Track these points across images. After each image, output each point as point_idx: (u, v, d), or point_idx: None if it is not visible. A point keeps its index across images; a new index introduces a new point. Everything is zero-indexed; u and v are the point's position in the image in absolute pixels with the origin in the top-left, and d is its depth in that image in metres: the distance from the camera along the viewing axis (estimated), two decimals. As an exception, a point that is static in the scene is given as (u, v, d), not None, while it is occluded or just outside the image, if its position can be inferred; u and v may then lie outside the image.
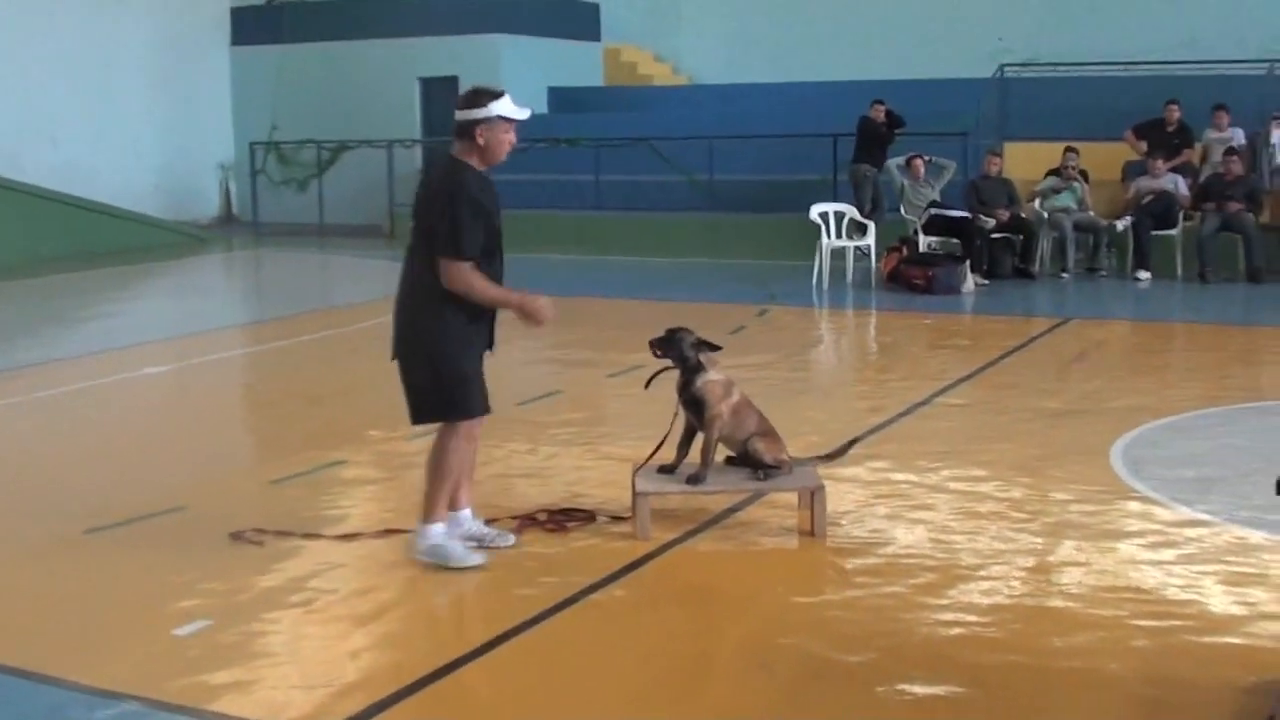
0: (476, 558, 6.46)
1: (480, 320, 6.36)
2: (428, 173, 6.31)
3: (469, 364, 6.34)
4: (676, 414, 7.02)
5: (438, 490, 6.44)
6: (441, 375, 6.30)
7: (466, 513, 6.69)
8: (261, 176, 26.82)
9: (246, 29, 28.15)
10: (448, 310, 6.23)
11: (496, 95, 6.21)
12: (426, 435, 9.14)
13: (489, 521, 6.83)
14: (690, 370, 6.89)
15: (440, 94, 26.07)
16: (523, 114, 6.23)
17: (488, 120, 6.18)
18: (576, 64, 26.70)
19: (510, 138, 6.27)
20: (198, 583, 6.27)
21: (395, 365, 6.44)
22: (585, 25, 27.32)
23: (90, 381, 11.68)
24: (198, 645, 5.57)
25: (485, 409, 6.44)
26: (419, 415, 6.47)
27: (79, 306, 17.16)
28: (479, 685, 5.26)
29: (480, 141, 6.19)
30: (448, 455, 6.41)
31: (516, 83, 25.25)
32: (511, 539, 6.72)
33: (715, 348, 6.99)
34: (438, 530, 6.45)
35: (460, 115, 6.21)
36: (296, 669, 5.40)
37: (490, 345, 6.48)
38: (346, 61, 26.55)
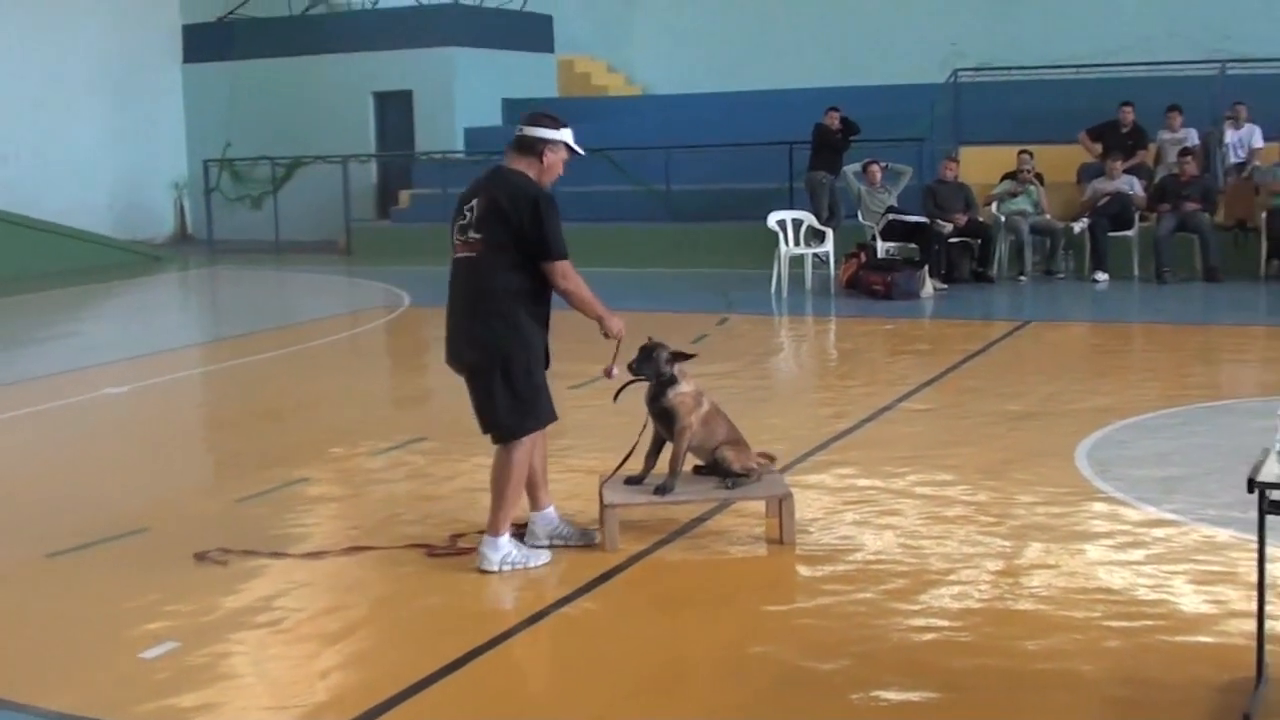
0: (545, 556, 6.64)
1: (543, 331, 6.55)
2: (490, 186, 6.45)
3: (539, 373, 6.49)
4: (645, 425, 6.99)
5: (508, 503, 6.52)
6: (517, 385, 6.39)
7: (550, 510, 6.87)
8: (216, 194, 26.69)
9: (199, 46, 27.98)
10: (521, 317, 6.41)
11: (564, 124, 6.53)
12: (389, 452, 9.16)
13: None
14: (663, 383, 6.87)
15: (395, 108, 26.03)
16: (581, 151, 6.62)
17: (555, 143, 6.47)
18: (530, 75, 26.66)
19: (563, 168, 6.56)
20: (163, 605, 6.21)
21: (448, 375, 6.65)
22: (538, 37, 27.31)
23: (48, 404, 11.56)
24: (166, 668, 5.51)
25: (554, 416, 6.63)
26: (498, 430, 6.52)
27: (34, 328, 17.00)
28: (451, 702, 5.21)
29: (544, 161, 6.46)
30: (515, 468, 6.49)
31: (471, 95, 25.47)
32: (596, 537, 6.82)
33: (688, 356, 6.98)
34: (506, 540, 6.55)
35: (529, 131, 6.48)
36: (267, 690, 5.34)
37: (547, 362, 6.62)
38: (300, 77, 26.43)
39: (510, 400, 6.40)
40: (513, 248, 6.33)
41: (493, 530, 6.54)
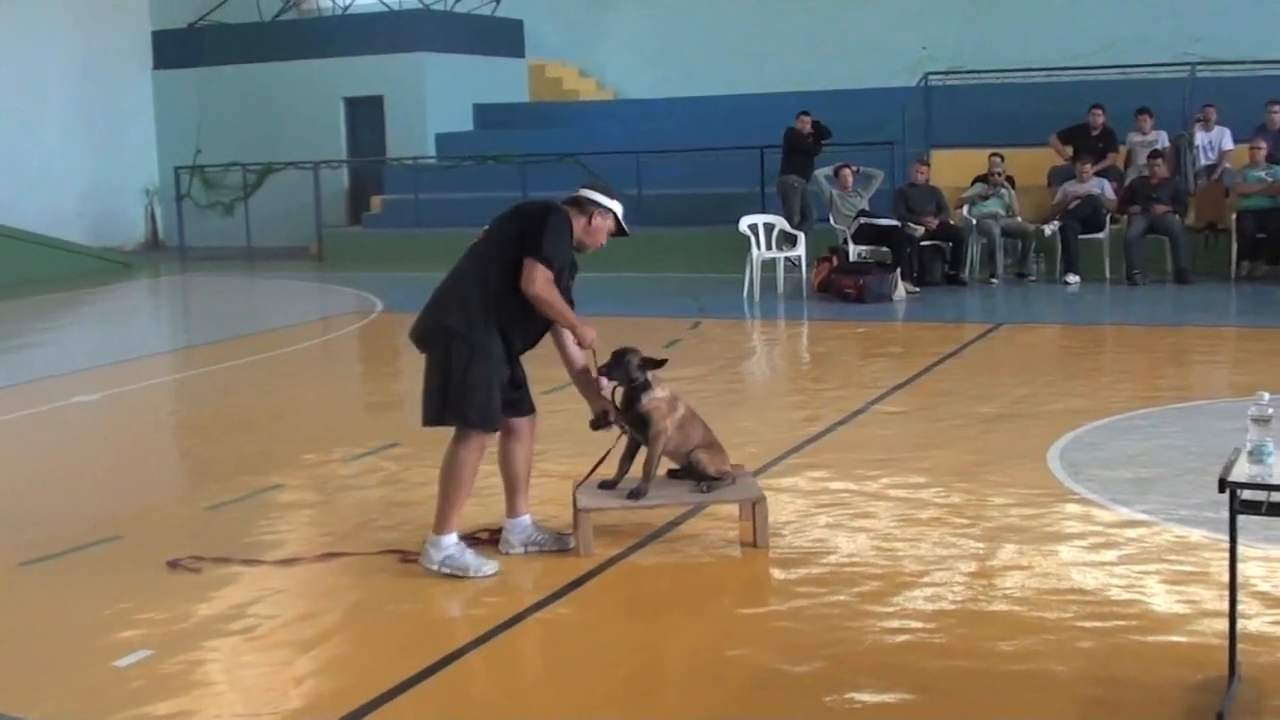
0: (492, 566, 6.55)
1: (509, 345, 6.53)
2: (520, 204, 6.79)
3: (482, 375, 6.39)
4: (621, 430, 6.99)
5: (450, 502, 6.50)
6: (451, 375, 6.37)
7: (526, 519, 6.83)
8: (187, 201, 26.59)
9: (169, 52, 27.92)
10: (484, 314, 6.40)
11: (618, 197, 6.76)
12: (362, 458, 9.15)
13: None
14: (637, 388, 6.87)
15: (366, 114, 25.99)
16: (627, 230, 6.80)
17: (605, 210, 6.67)
18: (502, 80, 26.67)
19: (606, 238, 6.74)
20: (136, 612, 6.19)
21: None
22: (509, 42, 27.29)
23: (20, 412, 11.52)
24: (139, 676, 5.49)
25: (494, 426, 6.52)
26: (423, 411, 6.56)
27: (3, 336, 16.91)
28: (426, 707, 5.20)
29: (591, 223, 6.63)
30: (460, 467, 6.48)
31: (442, 100, 25.46)
32: (570, 542, 6.78)
33: (659, 363, 6.97)
34: (450, 541, 6.51)
35: (585, 192, 6.69)
36: (240, 697, 5.33)
37: (513, 371, 6.62)
38: (270, 83, 26.40)
39: (438, 386, 6.41)
40: (511, 242, 6.41)
41: (437, 528, 6.52)
